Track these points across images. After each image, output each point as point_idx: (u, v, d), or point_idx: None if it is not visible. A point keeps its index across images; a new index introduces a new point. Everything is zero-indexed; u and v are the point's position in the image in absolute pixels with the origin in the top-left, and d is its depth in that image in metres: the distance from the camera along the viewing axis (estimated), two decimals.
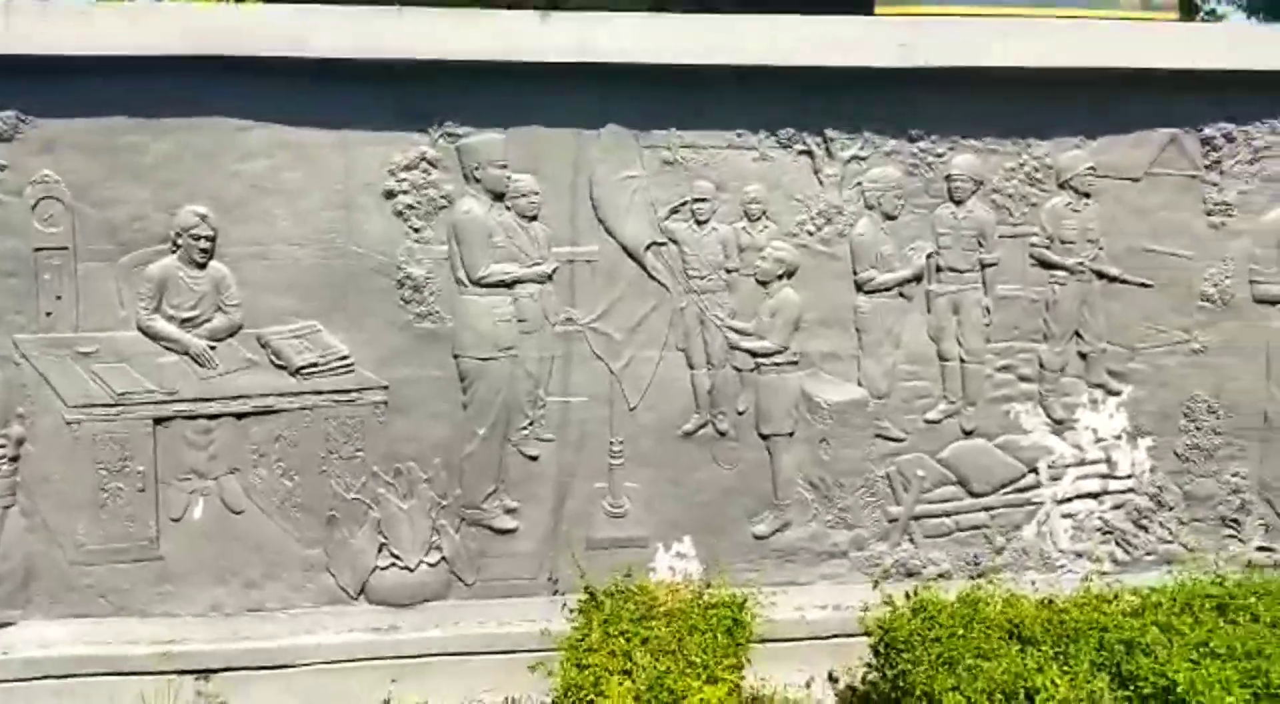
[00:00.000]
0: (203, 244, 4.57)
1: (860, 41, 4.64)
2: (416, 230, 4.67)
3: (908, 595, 4.47)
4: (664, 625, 4.14)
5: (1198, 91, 4.90)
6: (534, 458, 4.87)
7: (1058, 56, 4.73)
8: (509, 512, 4.89)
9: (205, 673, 4.66)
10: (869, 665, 4.35)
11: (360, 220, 4.64)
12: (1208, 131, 4.96)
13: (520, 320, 4.77)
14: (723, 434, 4.94)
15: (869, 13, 5.08)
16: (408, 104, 4.57)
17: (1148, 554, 5.14)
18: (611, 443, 4.88)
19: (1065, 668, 3.86)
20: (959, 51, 4.67)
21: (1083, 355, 5.07)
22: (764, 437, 4.96)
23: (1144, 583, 4.76)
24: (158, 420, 4.66)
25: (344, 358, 4.73)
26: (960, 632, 4.05)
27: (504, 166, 4.64)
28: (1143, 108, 4.91)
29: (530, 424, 4.85)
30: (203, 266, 4.61)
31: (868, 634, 4.39)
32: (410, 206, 4.65)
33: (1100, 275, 5.01)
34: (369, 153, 4.61)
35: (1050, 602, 4.44)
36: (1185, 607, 4.29)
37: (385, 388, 4.76)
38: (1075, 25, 4.81)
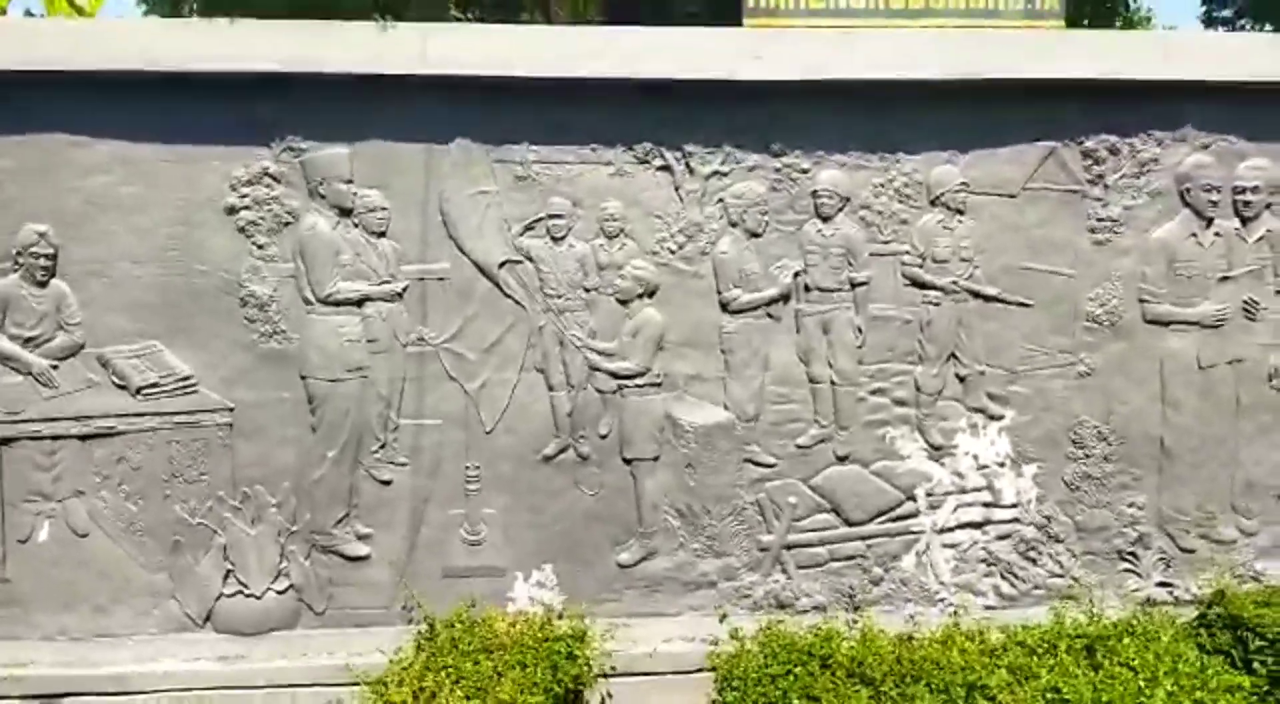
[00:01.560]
0: (43, 262, 4.48)
1: (712, 54, 4.51)
2: (260, 247, 4.55)
3: (761, 631, 4.25)
4: (490, 660, 3.93)
5: (1078, 102, 4.72)
6: (387, 482, 4.70)
7: (921, 68, 4.57)
8: (361, 538, 4.72)
9: (52, 698, 4.50)
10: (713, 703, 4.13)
11: (202, 237, 4.54)
12: (1089, 144, 4.78)
13: (370, 340, 4.63)
14: (584, 458, 4.76)
15: (738, 25, 4.94)
16: (249, 117, 4.49)
17: (1036, 588, 4.89)
18: (468, 468, 4.71)
19: None
20: (816, 64, 4.54)
21: (961, 378, 4.86)
22: (627, 461, 4.77)
23: (1029, 619, 4.52)
24: (2, 441, 4.54)
25: (186, 379, 4.60)
26: (797, 671, 3.82)
27: (349, 182, 4.53)
28: (1018, 120, 4.74)
29: (382, 447, 4.69)
30: (44, 285, 4.51)
31: (714, 670, 4.16)
32: (253, 223, 4.54)
33: (976, 295, 4.81)
34: (210, 168, 4.52)
35: (910, 638, 4.21)
36: (1050, 648, 4.04)
37: (230, 410, 4.62)
38: (939, 35, 4.66)
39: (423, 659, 3.98)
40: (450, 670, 3.83)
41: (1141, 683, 3.66)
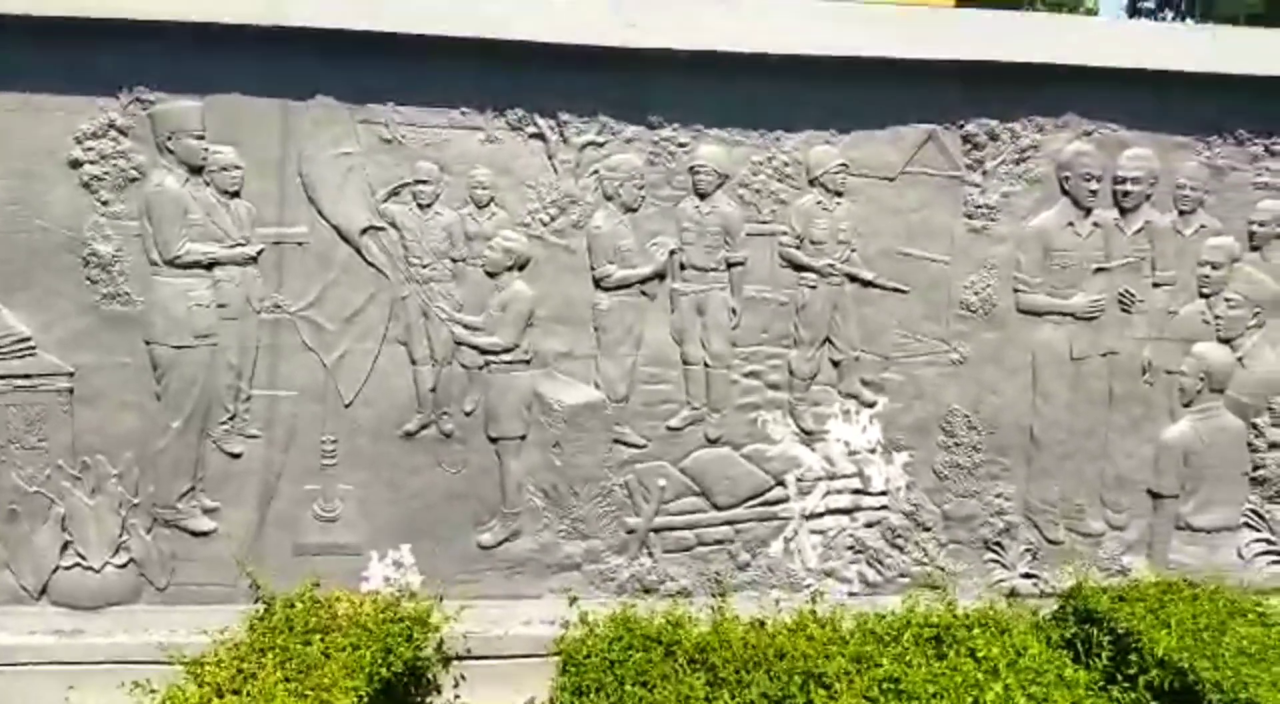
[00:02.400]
0: None
1: (586, 19, 4.35)
2: (105, 204, 4.31)
3: (615, 615, 4.16)
4: (323, 642, 3.78)
5: (960, 85, 4.65)
6: (236, 455, 4.51)
7: (800, 43, 4.46)
8: (207, 512, 4.53)
9: None
10: (560, 688, 4.02)
11: (43, 191, 4.28)
12: (969, 128, 4.71)
13: (220, 305, 4.41)
14: (448, 435, 4.61)
15: None
16: (96, 66, 4.22)
17: (901, 576, 4.86)
18: (324, 441, 4.53)
19: (739, 698, 3.55)
20: (694, 35, 4.39)
21: (835, 363, 4.79)
22: (492, 439, 4.63)
23: (891, 607, 4.49)
24: None
25: (24, 340, 4.35)
26: (636, 656, 3.73)
27: (200, 137, 4.30)
28: (899, 101, 4.65)
29: (232, 418, 4.49)
30: None
31: (559, 654, 4.06)
32: (98, 178, 4.29)
33: (853, 279, 4.74)
34: (53, 119, 4.25)
35: (763, 625, 4.14)
36: (898, 636, 4.00)
37: (70, 374, 4.38)
38: (820, 10, 4.55)
39: (251, 639, 3.80)
40: (277, 651, 3.67)
41: (981, 675, 3.64)
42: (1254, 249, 4.99)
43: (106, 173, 4.29)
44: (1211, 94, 4.83)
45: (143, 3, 4.11)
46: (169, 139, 4.29)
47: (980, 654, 3.86)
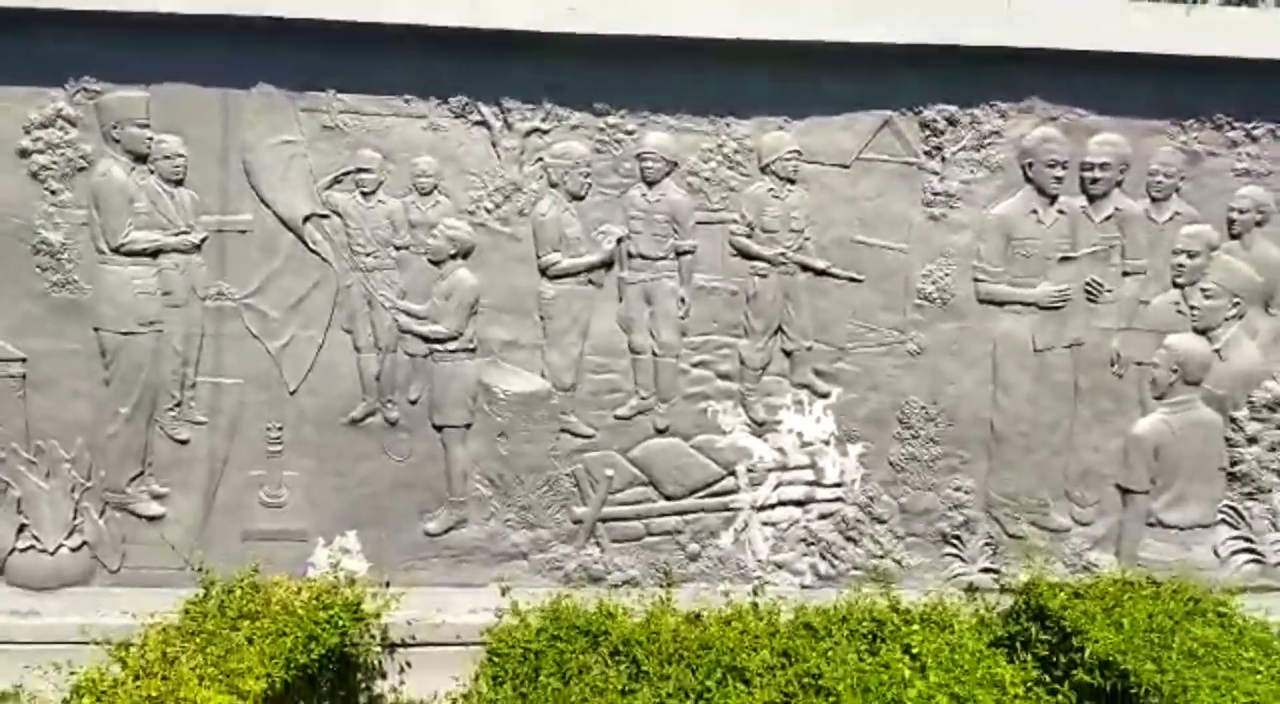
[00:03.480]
0: None
1: (525, 4, 4.28)
2: (54, 193, 4.36)
3: (547, 605, 4.13)
4: (251, 627, 3.80)
5: (916, 69, 4.52)
6: (184, 441, 4.55)
7: (748, 27, 4.36)
8: (156, 497, 4.58)
9: None
10: (478, 677, 4.00)
11: None
12: (928, 114, 4.58)
13: (165, 293, 4.45)
14: (393, 423, 4.61)
15: None
16: (43, 57, 4.27)
17: (855, 569, 4.77)
18: (269, 429, 4.56)
19: (654, 692, 3.51)
20: (638, 19, 4.32)
21: (787, 353, 4.70)
22: (438, 428, 4.63)
23: (841, 601, 4.40)
24: None
25: None
26: (560, 646, 3.70)
27: (145, 126, 4.33)
28: (852, 86, 4.53)
29: (178, 405, 4.54)
30: None
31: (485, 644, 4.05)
32: (46, 167, 4.34)
33: (805, 268, 4.64)
34: (3, 109, 4.30)
35: (698, 617, 4.09)
36: (829, 631, 3.92)
37: (23, 360, 4.46)
38: None
39: (182, 623, 3.84)
40: (204, 636, 3.69)
41: (909, 672, 3.55)
42: (1233, 237, 4.80)
43: (54, 162, 4.34)
44: (1187, 76, 4.64)
45: None
46: (115, 128, 4.33)
47: (915, 650, 3.78)
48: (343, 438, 4.60)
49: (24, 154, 4.33)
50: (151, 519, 4.57)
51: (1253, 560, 4.88)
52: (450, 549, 4.68)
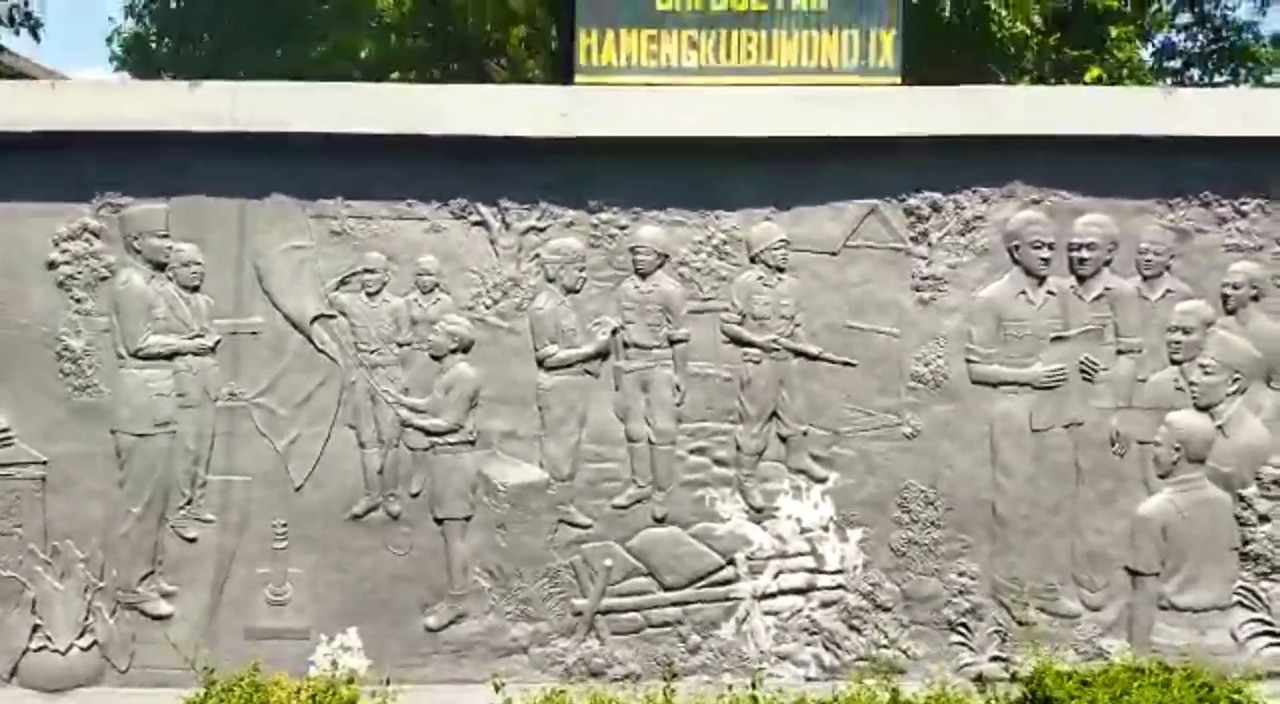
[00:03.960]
0: None
1: (525, 111, 4.55)
2: (78, 301, 4.61)
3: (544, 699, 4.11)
4: None
5: (899, 158, 4.67)
6: (192, 540, 4.66)
7: (737, 125, 4.57)
8: (165, 596, 4.67)
9: None
10: None
11: (23, 291, 4.62)
12: (912, 201, 4.71)
13: (180, 394, 4.63)
14: (395, 517, 4.69)
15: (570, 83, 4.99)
16: (71, 175, 4.59)
17: (860, 659, 4.68)
18: (275, 525, 4.66)
19: None
20: (631, 122, 4.56)
21: (783, 438, 4.74)
22: (438, 521, 4.69)
23: (843, 694, 4.33)
24: None
25: (3, 431, 4.63)
26: None
27: (165, 236, 4.59)
28: (838, 177, 4.69)
29: (189, 503, 4.66)
30: None
31: None
32: (72, 277, 4.61)
33: (798, 353, 4.72)
34: (33, 224, 4.61)
35: None
36: None
37: (44, 463, 4.64)
38: (751, 93, 4.66)
39: None
40: None
41: None
42: (1229, 313, 4.80)
43: (80, 272, 4.60)
44: (1171, 156, 4.74)
45: (106, 114, 4.46)
46: (136, 239, 4.60)
47: None
48: (345, 533, 4.68)
49: (52, 265, 4.60)
50: (160, 618, 4.64)
51: (1273, 644, 4.71)
52: (450, 644, 4.68)
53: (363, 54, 15.60)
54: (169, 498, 4.65)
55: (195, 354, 4.64)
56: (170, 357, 4.63)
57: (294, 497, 4.67)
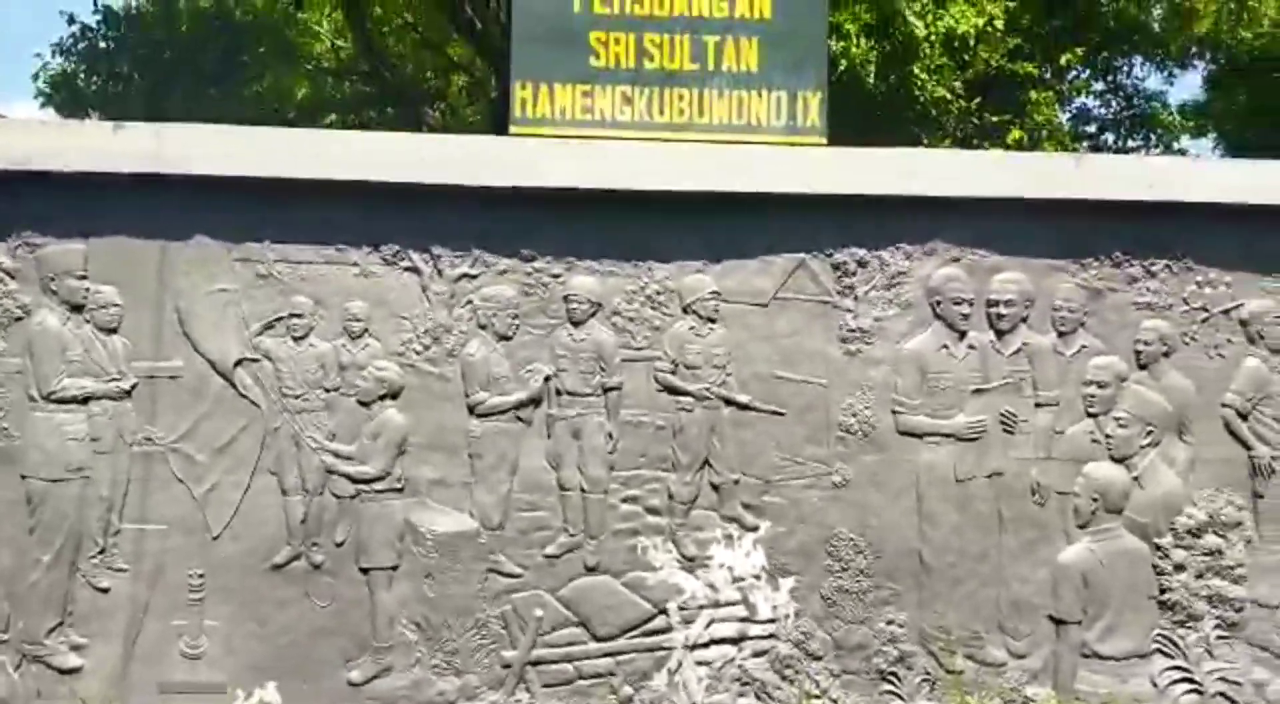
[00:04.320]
0: None
1: (454, 159, 4.57)
2: None
3: None
4: None
5: (826, 216, 4.79)
6: (105, 590, 4.48)
7: (670, 181, 4.65)
8: (75, 649, 4.46)
9: None
10: None
11: None
12: (839, 256, 4.83)
13: (94, 439, 4.48)
14: (317, 567, 4.57)
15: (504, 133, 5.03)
16: None
17: None
18: (190, 575, 4.50)
19: None
20: (557, 173, 4.62)
21: (715, 486, 4.76)
22: (364, 571, 4.59)
23: None
24: None
25: None
26: None
27: (83, 278, 4.48)
28: (767, 232, 4.80)
29: (101, 552, 4.49)
30: None
31: None
32: None
33: (729, 402, 4.77)
34: None
35: None
36: None
37: None
38: (683, 149, 4.76)
39: None
40: None
41: None
42: (1141, 367, 4.99)
43: None
44: (1082, 218, 4.94)
45: (27, 153, 4.36)
46: (53, 280, 4.47)
47: None
48: (265, 583, 4.54)
49: None
50: (69, 672, 4.44)
51: (1191, 690, 4.83)
52: (374, 700, 4.55)
53: (299, 95, 15.56)
54: (81, 546, 4.47)
55: (111, 398, 4.50)
56: (85, 400, 4.48)
57: (211, 546, 4.52)
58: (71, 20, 13.17)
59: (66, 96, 13.57)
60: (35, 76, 13.86)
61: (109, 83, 13.27)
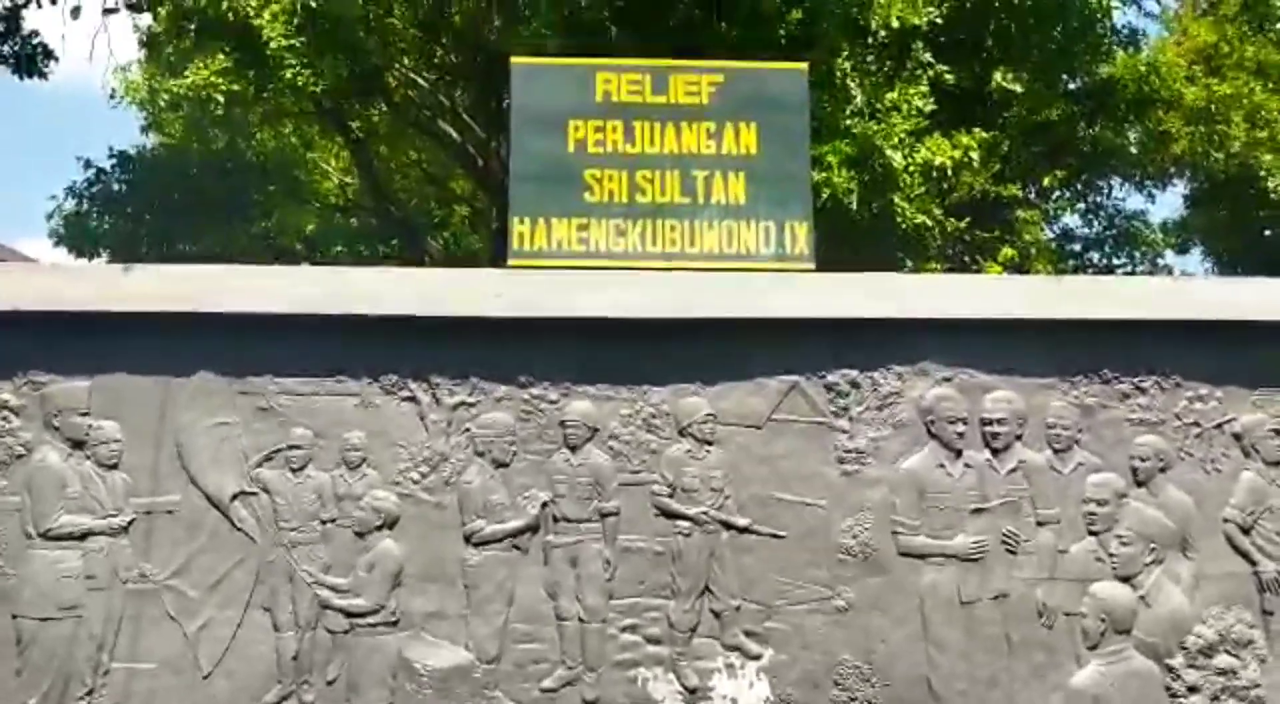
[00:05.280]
0: None
1: (452, 293, 4.70)
2: None
3: None
4: None
5: (816, 338, 4.88)
6: None
7: (658, 307, 4.77)
8: None
9: None
10: None
11: None
12: (831, 378, 4.90)
13: (88, 576, 4.45)
14: None
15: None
16: None
17: None
18: None
19: None
20: (554, 303, 4.72)
21: (716, 613, 4.69)
22: None
23: None
24: None
25: None
26: None
27: (86, 414, 4.54)
28: (760, 355, 4.87)
29: (89, 693, 4.39)
30: None
31: None
32: None
33: (727, 526, 4.74)
34: None
35: None
36: None
37: None
38: (676, 277, 4.90)
39: None
40: None
41: None
42: (1139, 484, 4.97)
43: None
44: (1069, 336, 5.01)
45: (44, 297, 4.50)
46: (55, 416, 4.53)
47: None
48: None
49: None
50: None
51: None
52: None
53: (307, 230, 16.07)
54: (68, 687, 4.38)
55: (108, 534, 4.49)
56: (82, 537, 4.47)
57: (201, 685, 4.43)
58: (88, 165, 13.75)
59: (76, 233, 14.02)
60: (49, 216, 14.34)
61: (120, 222, 13.74)
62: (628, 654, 4.62)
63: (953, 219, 11.31)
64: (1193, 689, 4.75)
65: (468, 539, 4.64)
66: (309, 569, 4.55)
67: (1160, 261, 14.54)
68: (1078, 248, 14.44)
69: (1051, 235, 14.56)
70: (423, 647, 4.54)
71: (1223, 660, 4.77)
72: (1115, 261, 14.08)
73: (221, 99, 12.38)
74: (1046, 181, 13.34)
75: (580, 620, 4.62)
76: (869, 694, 4.64)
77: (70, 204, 13.89)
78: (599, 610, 4.63)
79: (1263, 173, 13.62)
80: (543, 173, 5.34)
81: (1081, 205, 14.86)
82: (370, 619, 4.52)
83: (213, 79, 12.21)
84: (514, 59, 5.85)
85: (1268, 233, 14.39)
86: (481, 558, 4.63)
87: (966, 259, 13.04)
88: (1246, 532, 4.96)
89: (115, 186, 13.83)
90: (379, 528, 4.60)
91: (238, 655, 4.46)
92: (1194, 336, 5.03)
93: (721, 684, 4.63)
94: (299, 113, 13.76)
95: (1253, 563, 4.93)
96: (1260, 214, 14.33)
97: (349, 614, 4.53)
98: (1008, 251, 11.96)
